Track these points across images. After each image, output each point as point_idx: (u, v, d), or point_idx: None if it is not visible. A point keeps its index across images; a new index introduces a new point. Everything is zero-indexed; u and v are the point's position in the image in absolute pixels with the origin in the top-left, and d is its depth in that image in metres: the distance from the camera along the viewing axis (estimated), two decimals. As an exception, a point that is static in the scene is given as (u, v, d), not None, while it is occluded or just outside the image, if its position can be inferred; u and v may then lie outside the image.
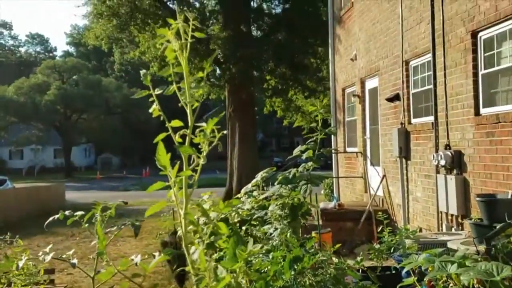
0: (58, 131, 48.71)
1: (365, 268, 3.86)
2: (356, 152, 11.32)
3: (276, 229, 2.86)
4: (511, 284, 2.34)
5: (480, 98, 6.26)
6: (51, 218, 1.95)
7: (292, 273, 2.33)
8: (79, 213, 1.83)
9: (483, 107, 6.23)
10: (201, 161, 1.20)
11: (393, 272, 4.53)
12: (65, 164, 48.81)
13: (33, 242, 11.47)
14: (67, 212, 1.87)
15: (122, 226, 1.72)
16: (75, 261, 1.72)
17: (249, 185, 4.46)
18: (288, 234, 2.89)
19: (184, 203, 1.21)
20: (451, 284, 2.76)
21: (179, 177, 1.22)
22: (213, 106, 44.12)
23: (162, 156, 1.12)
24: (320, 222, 9.49)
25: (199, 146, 1.28)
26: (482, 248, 3.51)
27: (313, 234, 5.53)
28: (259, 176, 4.45)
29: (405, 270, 3.07)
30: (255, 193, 4.37)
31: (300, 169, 4.03)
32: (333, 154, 13.19)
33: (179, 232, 2.04)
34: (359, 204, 10.41)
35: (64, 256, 2.04)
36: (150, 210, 1.38)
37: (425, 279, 2.87)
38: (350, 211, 9.64)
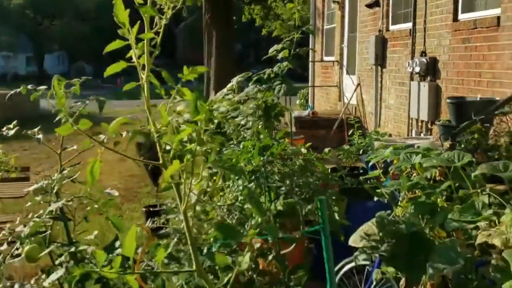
0: (29, 38, 46.81)
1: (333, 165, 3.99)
2: (333, 61, 11.26)
3: (248, 121, 2.88)
4: (470, 170, 2.44)
5: (460, 3, 6.17)
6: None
7: (261, 158, 2.38)
8: (42, 87, 1.79)
9: (462, 12, 6.16)
10: (164, 22, 1.16)
11: (361, 171, 4.69)
12: (38, 72, 47.52)
13: (8, 147, 11.41)
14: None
15: (87, 102, 1.69)
16: (40, 136, 1.70)
17: (225, 89, 4.43)
18: (260, 126, 2.91)
19: (146, 70, 1.18)
20: (414, 174, 2.88)
21: (141, 43, 1.18)
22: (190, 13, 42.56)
23: (120, 12, 1.07)
24: (294, 130, 9.67)
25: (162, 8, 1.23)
26: (447, 144, 3.64)
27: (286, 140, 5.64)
28: (234, 81, 4.41)
29: (371, 163, 3.19)
30: (229, 96, 4.34)
31: (275, 69, 3.99)
32: (310, 64, 13.12)
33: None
34: (333, 112, 10.54)
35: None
36: (114, 124, 1.28)
37: (389, 169, 2.97)
38: (323, 119, 9.79)
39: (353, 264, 3.72)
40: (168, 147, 1.04)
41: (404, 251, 2.35)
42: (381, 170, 3.13)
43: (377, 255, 3.51)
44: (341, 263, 3.80)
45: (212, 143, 2.01)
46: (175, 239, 2.21)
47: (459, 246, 2.18)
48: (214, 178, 2.62)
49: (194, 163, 1.02)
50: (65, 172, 1.66)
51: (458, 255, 2.15)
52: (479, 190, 2.38)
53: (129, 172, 9.29)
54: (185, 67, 1.13)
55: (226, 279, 1.40)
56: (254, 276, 2.28)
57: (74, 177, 1.67)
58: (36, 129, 1.73)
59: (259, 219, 1.56)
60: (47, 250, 1.63)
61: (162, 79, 1.24)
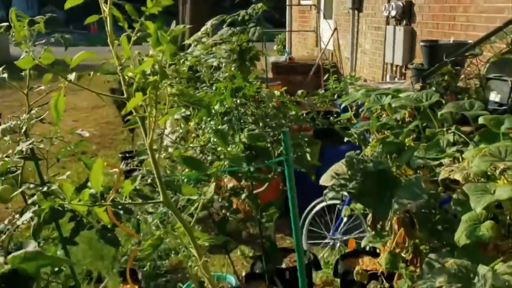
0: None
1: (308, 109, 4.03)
2: (310, 5, 11.08)
3: (221, 63, 2.86)
4: (436, 111, 2.50)
5: None
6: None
7: (234, 100, 2.39)
8: (4, 24, 1.73)
9: (438, -46, 6.09)
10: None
11: (335, 115, 4.74)
12: (5, 17, 45.55)
13: (-22, 95, 11.11)
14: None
15: (52, 39, 1.65)
16: (5, 75, 1.66)
17: (199, 33, 4.35)
18: (233, 68, 2.90)
19: (109, 2, 1.15)
20: (383, 116, 2.94)
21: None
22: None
23: None
24: (271, 76, 9.63)
25: None
26: (418, 86, 3.69)
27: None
28: (208, 24, 4.32)
29: (343, 105, 3.23)
30: (203, 40, 4.27)
31: (249, 11, 3.93)
32: (287, 9, 12.88)
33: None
34: (310, 58, 10.49)
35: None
36: (76, 57, 1.25)
37: (360, 111, 3.02)
38: (300, 64, 9.75)
39: (324, 203, 3.85)
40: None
41: (371, 188, 2.43)
42: (353, 113, 3.18)
43: (346, 194, 3.64)
44: (313, 203, 3.93)
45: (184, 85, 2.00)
46: (148, 179, 2.24)
47: (423, 182, 2.27)
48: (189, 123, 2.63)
49: (158, 96, 1.03)
50: (33, 112, 1.65)
51: (422, 190, 2.24)
52: (444, 129, 2.46)
53: (105, 120, 9.21)
54: (148, 0, 1.12)
55: (192, 209, 1.44)
56: (227, 214, 2.35)
57: (42, 117, 1.67)
58: (0, 68, 1.70)
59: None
60: (19, 190, 1.64)
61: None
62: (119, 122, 8.27)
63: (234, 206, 2.43)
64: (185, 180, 1.77)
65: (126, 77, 1.07)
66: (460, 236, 1.87)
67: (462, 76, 4.08)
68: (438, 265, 1.97)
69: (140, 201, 1.35)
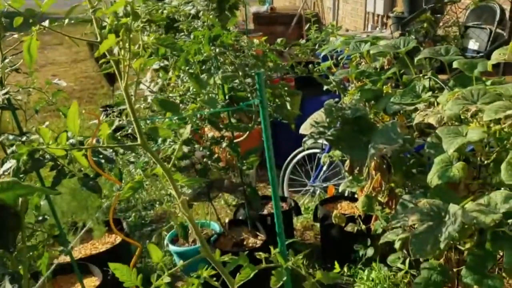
0: None
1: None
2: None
3: (198, 11, 2.82)
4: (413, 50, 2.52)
5: None
6: None
7: (212, 48, 2.38)
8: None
9: None
10: None
11: (315, 65, 4.74)
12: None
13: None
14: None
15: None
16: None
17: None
18: (211, 17, 2.86)
19: None
20: (362, 63, 2.96)
21: None
22: None
23: None
24: (252, 27, 9.48)
25: None
26: (397, 34, 3.70)
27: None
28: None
29: (322, 54, 3.23)
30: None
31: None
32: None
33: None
34: (291, 8, 10.33)
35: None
36: (47, 2, 1.22)
37: (339, 59, 3.03)
38: (282, 15, 9.61)
39: (305, 152, 3.92)
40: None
41: (349, 134, 2.49)
42: (333, 61, 3.19)
43: (326, 142, 3.70)
44: (294, 152, 4.00)
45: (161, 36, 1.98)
46: (129, 129, 2.25)
47: (399, 127, 2.32)
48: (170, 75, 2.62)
49: (132, 39, 1.04)
50: (6, 61, 1.63)
51: (398, 135, 2.29)
52: (421, 75, 2.49)
53: (85, 74, 9.06)
54: None
55: (170, 151, 1.47)
56: (209, 162, 2.39)
57: (16, 65, 1.65)
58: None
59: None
60: (22, 157, 1.64)
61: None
62: (99, 77, 8.15)
63: (216, 156, 2.47)
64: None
65: (100, 20, 1.06)
66: (433, 177, 1.94)
67: (441, 24, 4.09)
68: (411, 205, 2.05)
69: (117, 145, 1.36)
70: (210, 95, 2.37)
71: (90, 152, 1.68)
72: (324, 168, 3.91)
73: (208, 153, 2.35)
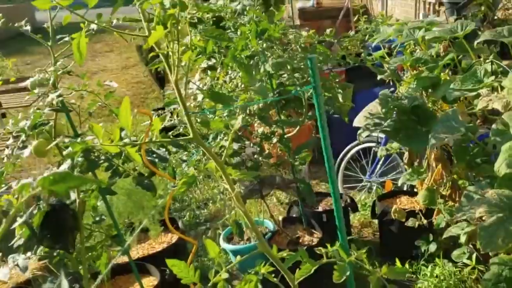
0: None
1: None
2: None
3: (244, 7, 2.78)
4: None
5: None
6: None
7: (259, 42, 2.34)
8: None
9: None
10: None
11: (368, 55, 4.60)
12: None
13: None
14: None
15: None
16: (28, 27, 1.66)
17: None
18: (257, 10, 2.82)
19: None
20: (417, 50, 2.83)
21: None
22: None
23: None
24: (298, 23, 9.39)
25: None
26: (452, 20, 3.52)
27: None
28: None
29: (374, 43, 3.12)
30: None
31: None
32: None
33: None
34: (338, 1, 10.14)
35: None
36: None
37: (392, 47, 2.92)
38: (328, 9, 9.45)
39: (359, 146, 3.81)
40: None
41: (406, 125, 2.37)
42: (386, 51, 3.07)
43: (382, 135, 3.58)
44: (348, 146, 3.89)
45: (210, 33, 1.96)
46: (180, 128, 2.25)
47: (460, 115, 2.19)
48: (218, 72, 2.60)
49: (180, 30, 1.01)
50: (59, 63, 1.65)
51: (459, 123, 2.16)
52: (482, 59, 2.34)
53: (136, 79, 9.27)
54: None
55: (218, 147, 1.44)
56: (260, 159, 2.35)
57: (68, 67, 1.67)
58: (23, 21, 1.70)
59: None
60: (54, 143, 1.67)
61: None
62: (149, 81, 8.32)
63: (266, 152, 2.43)
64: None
65: (146, 14, 1.04)
66: (501, 166, 1.81)
67: (500, 6, 3.86)
68: (477, 196, 1.92)
69: (169, 139, 1.34)
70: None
71: (144, 150, 1.68)
72: (380, 162, 3.79)
73: (258, 149, 2.31)
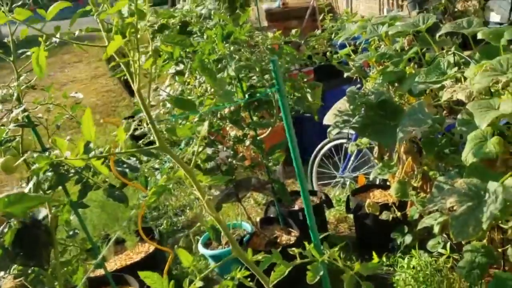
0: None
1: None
2: None
3: (209, 11, 2.78)
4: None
5: None
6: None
7: (226, 45, 2.34)
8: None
9: None
10: None
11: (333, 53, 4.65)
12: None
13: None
14: None
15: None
16: None
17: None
18: (222, 14, 2.82)
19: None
20: (382, 46, 2.87)
21: None
22: None
23: None
24: (266, 24, 9.43)
25: None
26: (415, 13, 3.59)
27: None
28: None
29: (339, 41, 3.15)
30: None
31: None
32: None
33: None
34: (304, 1, 10.22)
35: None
36: (52, 9, 1.19)
37: (357, 43, 2.96)
38: (295, 9, 9.52)
39: (331, 143, 3.85)
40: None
41: (374, 120, 2.41)
42: (351, 48, 3.11)
43: (353, 132, 3.62)
44: (320, 144, 3.93)
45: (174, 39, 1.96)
46: (150, 136, 2.23)
47: (426, 107, 2.23)
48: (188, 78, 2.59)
49: (140, 38, 1.00)
50: (22, 78, 1.62)
51: (426, 116, 2.20)
52: (444, 51, 2.40)
53: (106, 88, 9.15)
54: None
55: (190, 150, 1.44)
56: (233, 162, 2.35)
57: (32, 81, 1.64)
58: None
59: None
60: (21, 159, 1.64)
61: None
62: (120, 90, 8.23)
63: (240, 155, 2.43)
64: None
65: (105, 24, 1.03)
66: (467, 155, 1.85)
67: (461, -1, 3.95)
68: (447, 186, 1.96)
69: (134, 150, 1.33)
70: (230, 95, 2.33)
71: (112, 161, 1.66)
72: (352, 158, 3.83)
73: (232, 152, 2.31)
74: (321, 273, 1.30)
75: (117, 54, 1.04)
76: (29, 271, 2.04)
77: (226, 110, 2.27)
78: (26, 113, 1.64)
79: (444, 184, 2.03)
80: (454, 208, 1.82)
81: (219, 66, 2.24)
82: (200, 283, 1.21)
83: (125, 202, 1.79)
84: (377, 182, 3.58)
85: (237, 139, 2.35)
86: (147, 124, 2.24)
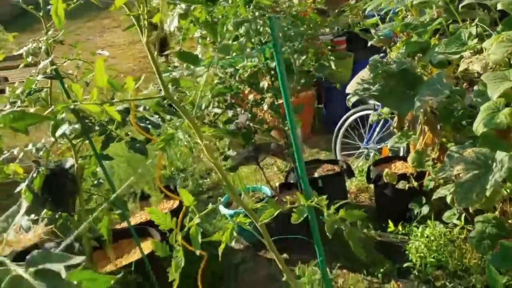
0: None
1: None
2: None
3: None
4: None
5: None
6: None
7: (248, 9, 2.39)
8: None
9: None
10: None
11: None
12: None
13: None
14: None
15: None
16: None
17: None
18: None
19: None
20: (408, 15, 2.85)
21: None
22: None
23: None
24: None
25: None
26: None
27: None
28: None
29: (367, 11, 3.14)
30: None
31: None
32: None
33: None
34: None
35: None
36: None
37: (383, 12, 2.94)
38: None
39: (357, 114, 3.87)
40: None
41: (394, 89, 2.42)
42: (379, 17, 3.10)
43: (378, 103, 3.62)
44: (346, 115, 3.95)
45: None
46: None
47: (445, 78, 2.24)
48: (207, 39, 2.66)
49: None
50: (50, 32, 1.73)
51: (444, 86, 2.21)
52: (467, 23, 2.37)
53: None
54: None
55: (190, 99, 1.52)
56: (251, 125, 2.43)
57: (59, 36, 1.75)
58: (15, -6, 1.78)
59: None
60: (49, 109, 1.77)
61: None
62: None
63: (259, 118, 2.50)
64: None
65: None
66: (478, 125, 1.87)
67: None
68: (457, 155, 1.99)
69: (140, 98, 1.42)
70: (251, 58, 2.39)
71: (133, 115, 1.77)
72: (378, 129, 3.85)
73: (249, 115, 2.39)
74: (305, 215, 1.39)
75: (115, 8, 1.12)
76: (57, 217, 2.20)
77: (246, 74, 2.34)
78: (54, 66, 1.76)
79: (455, 154, 2.05)
80: (461, 175, 1.85)
81: (240, 30, 2.29)
82: (198, 220, 1.32)
83: (145, 154, 1.91)
84: (401, 154, 3.60)
85: (255, 103, 2.42)
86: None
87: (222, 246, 1.43)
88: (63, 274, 0.62)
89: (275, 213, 1.37)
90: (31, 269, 0.62)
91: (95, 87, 1.13)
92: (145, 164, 2.85)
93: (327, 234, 1.44)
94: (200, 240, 1.35)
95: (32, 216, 2.22)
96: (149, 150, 2.09)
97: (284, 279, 1.45)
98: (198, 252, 1.37)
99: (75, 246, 2.15)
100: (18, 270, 0.62)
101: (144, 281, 2.36)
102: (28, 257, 0.65)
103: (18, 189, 2.10)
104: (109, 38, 10.94)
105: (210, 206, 1.38)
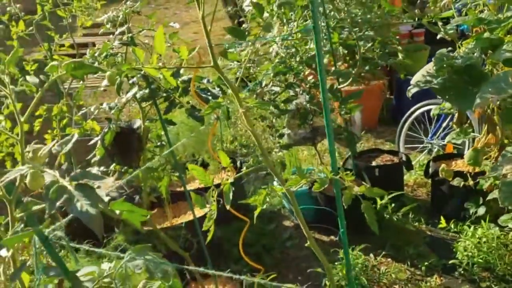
0: None
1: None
2: None
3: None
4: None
5: None
6: None
7: (317, -5, 2.45)
8: None
9: None
10: None
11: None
12: None
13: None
14: None
15: None
16: None
17: None
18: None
19: None
20: (485, 11, 2.77)
21: None
22: None
23: None
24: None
25: None
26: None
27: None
28: None
29: (457, 5, 3.08)
30: None
31: None
32: None
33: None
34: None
35: None
36: None
37: (459, 5, 2.88)
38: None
39: (424, 108, 3.82)
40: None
41: (457, 84, 2.39)
42: (455, 11, 3.03)
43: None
44: (413, 108, 3.91)
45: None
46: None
47: (511, 77, 2.19)
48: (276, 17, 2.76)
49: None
50: (128, 2, 1.92)
51: (509, 85, 2.16)
52: (545, 21, 2.29)
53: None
54: None
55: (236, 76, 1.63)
56: (309, 106, 2.51)
57: (137, 5, 1.93)
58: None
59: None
60: (123, 74, 1.96)
61: None
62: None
63: (317, 99, 2.58)
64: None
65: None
66: (534, 126, 1.84)
67: None
68: (510, 155, 1.96)
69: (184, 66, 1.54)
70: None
71: (193, 85, 1.93)
72: (444, 125, 3.78)
73: (308, 96, 2.47)
74: (326, 185, 1.49)
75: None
76: (122, 170, 2.43)
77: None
78: (130, 34, 1.95)
79: (510, 153, 2.03)
80: (508, 175, 1.84)
81: (305, 12, 2.36)
82: (232, 179, 1.47)
83: (201, 121, 2.07)
84: (465, 152, 3.52)
85: (314, 84, 2.49)
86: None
87: (258, 209, 1.55)
88: (95, 187, 0.79)
89: (301, 183, 1.48)
90: (73, 182, 0.80)
91: (154, 53, 1.28)
92: (207, 134, 3.03)
93: (344, 205, 1.54)
94: (230, 197, 1.49)
95: (102, 168, 2.47)
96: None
97: (307, 244, 1.54)
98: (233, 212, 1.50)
99: (135, 198, 2.37)
100: (64, 182, 0.79)
101: (193, 238, 2.54)
102: (72, 173, 0.82)
103: (92, 142, 2.35)
104: (195, 13, 11.27)
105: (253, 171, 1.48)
